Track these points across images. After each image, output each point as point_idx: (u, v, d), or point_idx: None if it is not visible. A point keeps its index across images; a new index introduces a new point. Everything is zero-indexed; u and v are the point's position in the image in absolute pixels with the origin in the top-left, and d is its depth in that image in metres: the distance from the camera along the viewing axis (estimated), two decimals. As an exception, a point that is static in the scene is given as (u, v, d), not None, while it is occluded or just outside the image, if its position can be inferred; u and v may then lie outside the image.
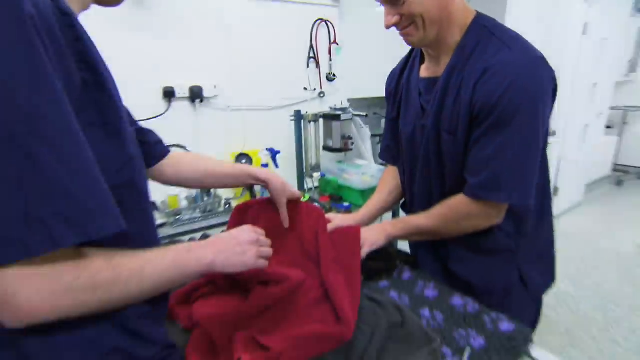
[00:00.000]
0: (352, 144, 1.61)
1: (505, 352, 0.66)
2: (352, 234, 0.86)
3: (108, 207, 0.40)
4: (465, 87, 0.73)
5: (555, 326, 2.03)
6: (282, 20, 1.75)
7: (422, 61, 0.87)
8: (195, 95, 1.54)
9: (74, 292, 0.41)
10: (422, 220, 0.84)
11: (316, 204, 1.60)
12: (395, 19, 0.72)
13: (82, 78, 0.42)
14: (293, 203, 0.87)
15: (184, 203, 1.54)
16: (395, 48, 2.18)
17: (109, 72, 0.49)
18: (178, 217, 1.46)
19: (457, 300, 0.80)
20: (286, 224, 0.85)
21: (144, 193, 0.53)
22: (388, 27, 0.74)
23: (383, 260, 0.91)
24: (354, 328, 0.65)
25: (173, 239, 1.30)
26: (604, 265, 2.63)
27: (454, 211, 0.80)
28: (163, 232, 1.39)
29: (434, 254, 0.95)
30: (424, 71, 0.86)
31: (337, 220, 0.91)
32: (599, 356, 1.77)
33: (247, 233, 0.65)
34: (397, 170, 1.03)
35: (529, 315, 0.92)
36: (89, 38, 0.46)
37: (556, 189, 3.39)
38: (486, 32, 0.73)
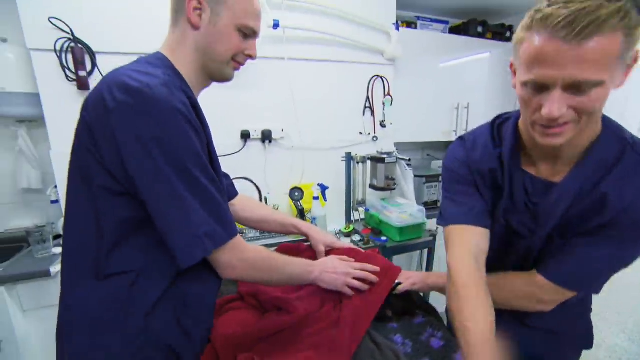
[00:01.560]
0: (395, 184, 1.69)
1: None
2: (392, 270, 0.88)
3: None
4: (610, 209, 0.61)
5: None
6: (344, 76, 1.89)
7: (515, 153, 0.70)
8: (266, 136, 1.73)
9: (250, 262, 0.70)
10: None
11: (357, 235, 1.72)
12: (567, 112, 0.53)
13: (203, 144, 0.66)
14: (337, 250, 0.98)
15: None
16: (437, 103, 2.30)
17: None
18: (242, 233, 1.67)
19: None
20: None
21: None
22: (552, 119, 0.54)
23: (403, 301, 0.88)
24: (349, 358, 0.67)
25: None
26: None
27: (517, 283, 0.73)
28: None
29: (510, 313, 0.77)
30: (528, 168, 0.70)
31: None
32: None
33: (344, 266, 0.85)
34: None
35: None
36: (204, 116, 0.70)
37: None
38: (627, 146, 0.61)
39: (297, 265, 0.81)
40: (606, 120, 0.64)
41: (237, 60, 0.74)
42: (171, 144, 0.58)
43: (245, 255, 0.68)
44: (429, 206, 2.03)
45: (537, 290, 0.70)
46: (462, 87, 2.32)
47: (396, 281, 0.88)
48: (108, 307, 0.61)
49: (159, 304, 0.63)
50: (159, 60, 0.67)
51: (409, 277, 0.89)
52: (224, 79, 0.75)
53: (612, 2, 0.47)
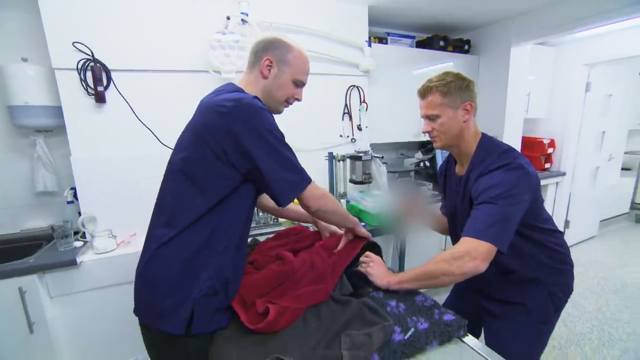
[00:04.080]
0: (371, 178, 1.98)
1: (442, 335, 0.85)
2: (357, 241, 1.21)
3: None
4: (473, 183, 1.04)
5: (550, 340, 2.16)
6: (324, 87, 2.16)
7: (455, 162, 1.21)
8: None
9: (325, 198, 1.00)
10: (418, 268, 1.00)
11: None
12: (429, 128, 1.10)
13: None
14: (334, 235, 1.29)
15: (247, 216, 2.02)
16: (409, 108, 2.62)
17: None
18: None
19: (420, 297, 1.00)
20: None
21: None
22: (424, 132, 1.12)
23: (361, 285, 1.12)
24: (332, 286, 1.01)
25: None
26: (609, 293, 2.61)
27: (450, 251, 0.94)
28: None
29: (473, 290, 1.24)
30: (458, 169, 1.19)
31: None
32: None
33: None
34: (443, 216, 1.39)
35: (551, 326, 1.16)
36: None
37: (567, 222, 3.47)
38: (486, 150, 1.08)
39: (345, 210, 1.15)
40: (483, 138, 1.11)
41: (289, 101, 1.06)
42: (270, 127, 0.88)
43: (321, 191, 1.00)
44: (402, 198, 2.33)
45: (454, 249, 0.96)
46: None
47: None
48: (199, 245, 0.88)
49: (226, 248, 0.91)
50: (239, 89, 0.96)
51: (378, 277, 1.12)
52: (277, 112, 1.06)
53: (440, 80, 1.07)
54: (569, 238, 3.47)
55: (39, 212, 1.88)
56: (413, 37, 2.66)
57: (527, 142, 3.23)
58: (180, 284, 0.86)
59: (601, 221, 3.83)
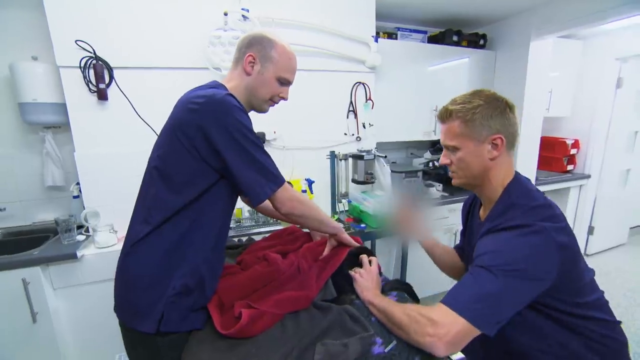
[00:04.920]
0: (373, 178, 1.93)
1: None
2: (342, 250, 1.14)
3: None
4: (480, 237, 0.86)
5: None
6: (329, 84, 2.12)
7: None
8: (260, 137, 2.04)
9: (296, 201, 0.94)
10: (395, 303, 0.88)
11: (340, 223, 1.95)
12: (447, 161, 0.92)
13: None
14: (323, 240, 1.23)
15: (246, 214, 2.02)
16: (418, 105, 2.52)
17: None
18: (239, 223, 1.90)
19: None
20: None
21: None
22: (441, 165, 1.01)
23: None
24: (315, 293, 0.96)
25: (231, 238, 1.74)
26: (635, 306, 2.43)
27: (421, 309, 0.78)
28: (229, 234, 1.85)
29: None
30: (482, 211, 0.99)
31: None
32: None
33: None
34: (456, 256, 1.17)
35: None
36: None
37: (591, 228, 3.26)
38: (512, 200, 0.85)
39: (327, 216, 1.09)
40: (513, 181, 0.89)
41: (274, 100, 1.03)
42: (241, 126, 0.84)
43: (292, 194, 0.95)
44: (409, 199, 2.26)
45: (427, 308, 0.77)
46: (440, 90, 2.54)
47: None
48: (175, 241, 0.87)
49: (201, 247, 0.89)
50: (222, 87, 0.94)
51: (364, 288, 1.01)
52: (261, 111, 1.05)
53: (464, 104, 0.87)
54: (593, 245, 3.26)
55: (48, 206, 1.95)
56: (425, 32, 2.56)
57: (547, 142, 3.05)
58: (155, 281, 0.86)
59: (631, 228, 3.57)
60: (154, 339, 0.86)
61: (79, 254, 1.56)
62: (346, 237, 1.13)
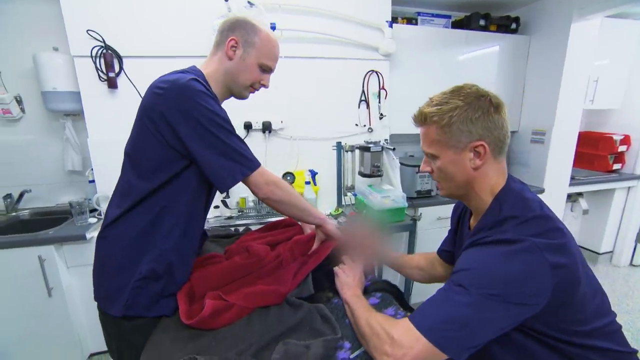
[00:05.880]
0: (380, 171, 1.84)
1: None
2: (326, 244, 1.09)
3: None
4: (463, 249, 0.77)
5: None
6: (340, 72, 2.04)
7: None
8: (266, 127, 1.94)
9: (273, 186, 0.91)
10: (366, 309, 0.81)
11: (343, 217, 1.89)
12: (428, 168, 0.82)
13: None
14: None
15: (250, 204, 2.03)
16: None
17: None
18: (241, 212, 1.91)
19: (390, 311, 0.90)
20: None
21: None
22: (421, 172, 0.93)
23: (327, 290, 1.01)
24: (291, 288, 0.93)
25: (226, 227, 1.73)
26: None
27: (388, 322, 0.72)
28: (230, 222, 1.85)
29: None
30: (472, 219, 0.89)
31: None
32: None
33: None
34: (439, 261, 1.10)
35: None
36: None
37: None
38: (502, 212, 0.73)
39: (311, 206, 1.04)
40: (504, 195, 0.77)
41: (254, 87, 1.00)
42: (206, 112, 0.81)
43: (270, 178, 0.92)
44: (423, 195, 2.14)
45: (392, 323, 0.71)
46: (464, 80, 2.34)
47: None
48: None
49: (170, 232, 0.89)
50: (193, 71, 0.91)
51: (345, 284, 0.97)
52: (241, 98, 1.02)
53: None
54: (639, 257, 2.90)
55: (69, 189, 2.09)
56: (449, 17, 2.38)
57: (589, 137, 2.75)
58: (125, 265, 0.87)
59: (691, 238, 3.14)
60: (121, 323, 0.87)
61: (88, 235, 1.65)
62: (332, 228, 1.07)
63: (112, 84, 1.69)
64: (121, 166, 0.95)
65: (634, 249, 2.93)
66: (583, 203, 2.83)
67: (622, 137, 2.73)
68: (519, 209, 0.73)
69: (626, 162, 2.82)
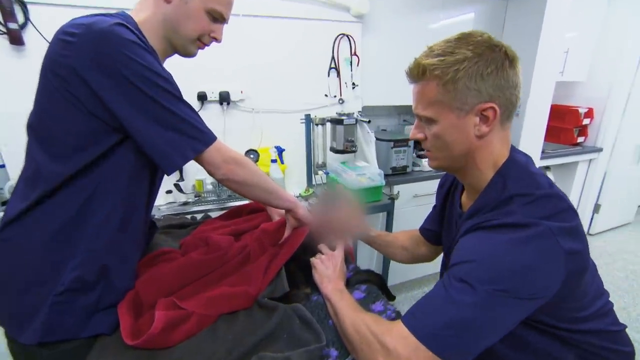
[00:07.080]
0: (354, 146, 1.72)
1: None
2: (299, 231, 0.96)
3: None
4: (461, 235, 0.67)
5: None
6: (307, 34, 1.85)
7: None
8: (224, 98, 1.72)
9: (234, 164, 0.76)
10: (352, 308, 0.72)
11: (315, 199, 1.76)
12: (420, 135, 0.69)
13: None
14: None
15: (208, 187, 1.81)
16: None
17: None
18: (198, 197, 1.69)
19: (378, 306, 0.81)
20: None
21: None
22: (411, 140, 0.79)
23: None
24: (262, 288, 0.81)
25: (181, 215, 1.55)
26: (639, 289, 2.36)
27: (378, 327, 0.62)
28: (185, 209, 1.65)
29: None
30: (464, 198, 0.80)
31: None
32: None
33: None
34: (422, 240, 1.03)
35: None
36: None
37: (597, 207, 3.11)
38: (506, 188, 0.63)
39: (279, 187, 0.92)
40: (507, 168, 0.67)
41: (203, 40, 0.80)
42: (137, 67, 0.62)
43: (229, 155, 0.76)
44: (398, 172, 2.05)
45: (384, 327, 0.62)
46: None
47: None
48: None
49: (101, 228, 0.70)
50: (120, 16, 0.70)
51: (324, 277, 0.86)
52: (187, 54, 0.82)
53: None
54: (598, 225, 3.13)
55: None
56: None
57: (557, 110, 2.82)
58: (39, 276, 0.67)
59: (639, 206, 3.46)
60: (38, 352, 0.68)
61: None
62: (304, 213, 0.94)
63: (15, 39, 1.36)
64: (26, 145, 0.73)
65: (591, 218, 3.15)
66: (550, 176, 2.96)
67: (586, 110, 2.84)
68: (526, 186, 0.63)
69: (589, 135, 2.96)
